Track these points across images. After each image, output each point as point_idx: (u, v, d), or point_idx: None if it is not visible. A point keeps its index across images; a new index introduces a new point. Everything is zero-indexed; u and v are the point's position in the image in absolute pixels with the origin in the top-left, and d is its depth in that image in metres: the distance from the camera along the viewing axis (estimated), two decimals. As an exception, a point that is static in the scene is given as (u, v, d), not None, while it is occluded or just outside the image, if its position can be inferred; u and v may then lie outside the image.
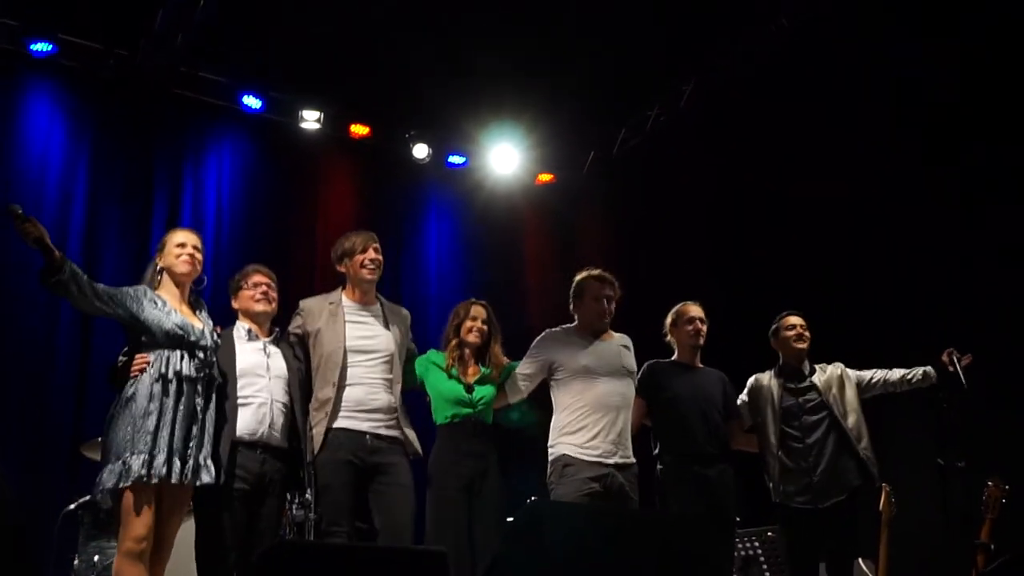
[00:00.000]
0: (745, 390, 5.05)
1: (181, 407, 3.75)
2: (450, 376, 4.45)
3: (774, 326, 5.05)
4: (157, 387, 3.73)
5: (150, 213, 6.91)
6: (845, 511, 4.67)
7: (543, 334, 4.71)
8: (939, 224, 6.71)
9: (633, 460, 4.51)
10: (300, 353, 4.31)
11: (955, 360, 4.72)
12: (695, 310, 4.97)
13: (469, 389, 4.44)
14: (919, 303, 6.83)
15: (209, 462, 3.79)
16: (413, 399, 4.50)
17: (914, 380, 4.88)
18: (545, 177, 8.59)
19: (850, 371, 4.94)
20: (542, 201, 8.61)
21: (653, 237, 8.20)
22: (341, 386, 4.19)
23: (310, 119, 7.47)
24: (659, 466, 4.82)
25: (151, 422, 3.68)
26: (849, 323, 6.73)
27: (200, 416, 3.81)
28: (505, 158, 8.15)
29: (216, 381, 3.93)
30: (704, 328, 4.95)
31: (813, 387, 4.86)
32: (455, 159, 8.26)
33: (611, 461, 4.39)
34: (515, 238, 8.51)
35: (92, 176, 6.74)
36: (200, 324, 3.96)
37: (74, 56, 6.73)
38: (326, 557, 3.07)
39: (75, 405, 6.24)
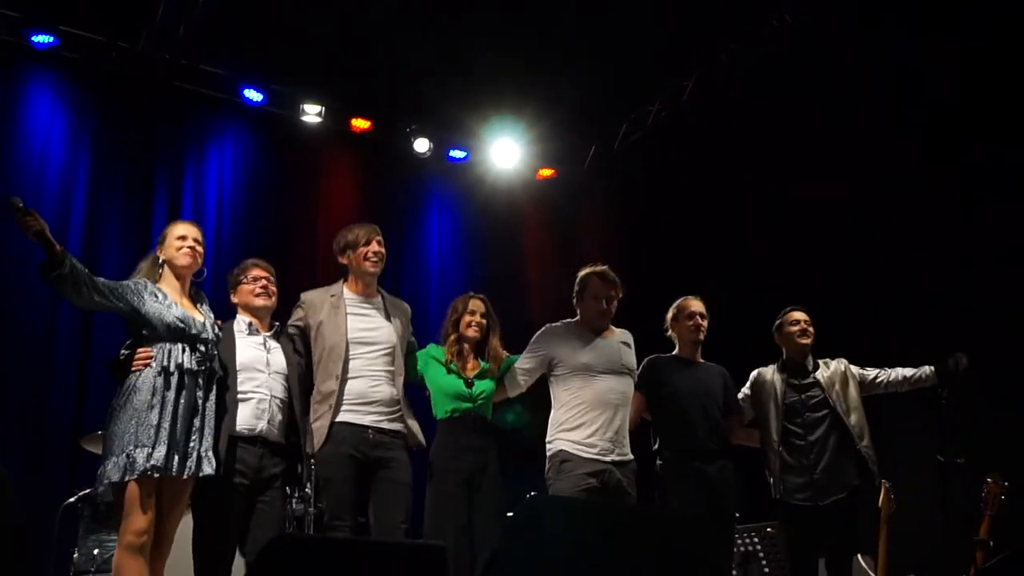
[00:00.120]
0: (748, 384, 5.03)
1: (182, 400, 3.75)
2: (449, 371, 4.46)
3: (778, 321, 5.02)
4: (159, 380, 3.73)
5: (151, 206, 6.90)
6: (845, 509, 4.66)
7: (543, 329, 4.70)
8: (939, 224, 6.70)
9: (631, 457, 4.51)
10: (300, 347, 4.31)
11: (958, 364, 4.70)
12: (696, 305, 4.95)
13: (469, 384, 4.44)
14: (919, 303, 6.83)
15: (211, 454, 3.79)
16: (413, 393, 4.50)
17: (915, 379, 4.86)
18: (546, 172, 8.59)
19: (854, 368, 4.93)
20: (543, 196, 8.61)
21: (653, 232, 8.19)
22: (344, 379, 4.20)
23: (311, 112, 7.47)
24: (659, 462, 4.81)
25: (154, 415, 3.68)
26: (849, 320, 6.72)
27: (201, 409, 3.81)
28: (506, 153, 8.15)
29: (217, 374, 3.92)
30: (705, 323, 4.93)
31: (816, 383, 4.84)
32: (456, 153, 8.26)
33: (609, 458, 4.39)
34: (516, 233, 8.50)
35: (93, 169, 6.73)
36: (201, 317, 3.95)
37: (75, 48, 6.72)
38: (326, 551, 3.07)
39: (75, 399, 6.24)
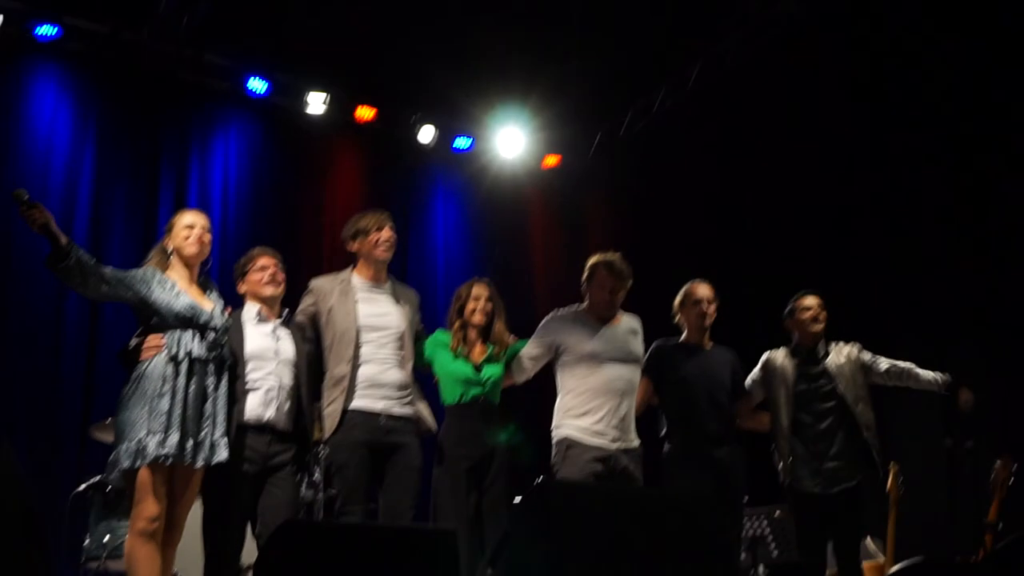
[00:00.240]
0: (758, 366, 4.94)
1: (192, 387, 3.76)
2: (457, 356, 4.46)
3: (789, 307, 4.91)
4: (169, 368, 3.74)
5: (156, 197, 6.89)
6: (854, 496, 4.63)
7: (550, 315, 4.70)
8: (950, 206, 6.70)
9: (637, 443, 4.51)
10: (311, 333, 4.33)
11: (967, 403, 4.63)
12: (703, 290, 4.89)
13: (478, 369, 4.44)
14: (930, 285, 6.82)
15: (223, 441, 3.80)
16: (421, 380, 4.51)
17: (925, 383, 4.74)
18: (551, 160, 8.56)
19: (866, 354, 4.81)
20: (548, 184, 8.59)
21: (659, 219, 8.18)
22: (355, 364, 4.22)
23: (316, 102, 7.46)
24: (666, 447, 4.79)
25: (164, 402, 3.69)
26: (859, 306, 6.71)
27: (211, 396, 3.82)
28: (511, 141, 8.12)
29: (227, 361, 3.93)
30: (712, 308, 4.87)
31: (826, 372, 4.75)
32: (461, 142, 8.23)
33: (615, 445, 4.40)
34: (521, 220, 8.49)
35: (98, 160, 6.72)
36: (210, 305, 3.95)
37: (79, 40, 6.71)
38: (336, 536, 3.09)
39: (84, 388, 6.25)
